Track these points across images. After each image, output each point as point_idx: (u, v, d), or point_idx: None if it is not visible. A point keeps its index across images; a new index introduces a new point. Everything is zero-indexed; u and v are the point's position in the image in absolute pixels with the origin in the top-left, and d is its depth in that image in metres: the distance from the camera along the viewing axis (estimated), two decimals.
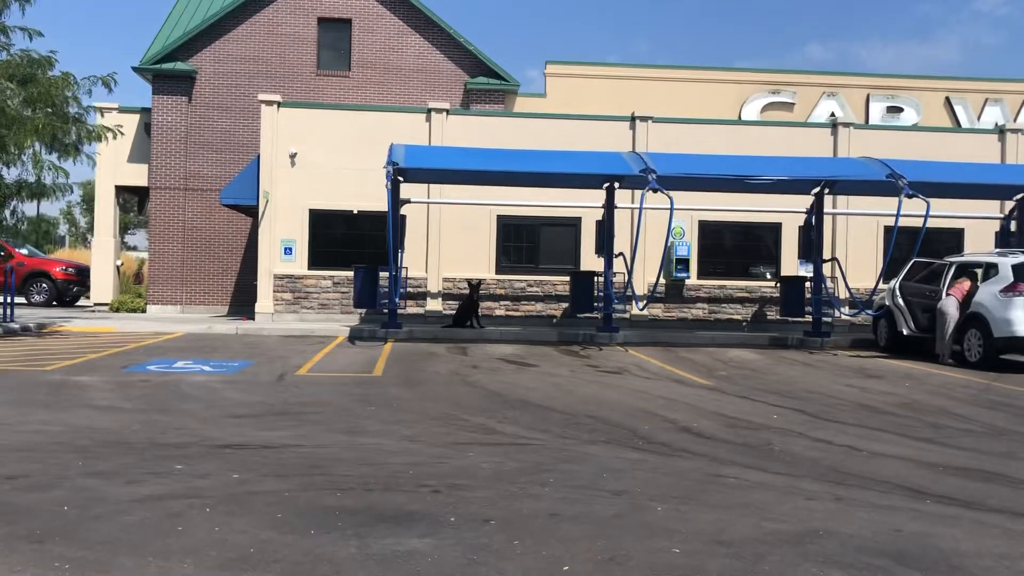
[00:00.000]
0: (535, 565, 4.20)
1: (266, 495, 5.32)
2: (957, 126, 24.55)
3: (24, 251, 27.34)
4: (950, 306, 14.63)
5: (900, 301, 15.79)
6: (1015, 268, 14.00)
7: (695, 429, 8.14)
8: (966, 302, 14.68)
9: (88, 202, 25.33)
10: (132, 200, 29.65)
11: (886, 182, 15.78)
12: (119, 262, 24.89)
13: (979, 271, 15.21)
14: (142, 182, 23.59)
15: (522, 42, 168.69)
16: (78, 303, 26.59)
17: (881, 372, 13.41)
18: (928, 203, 15.09)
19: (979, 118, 24.73)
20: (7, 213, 15.28)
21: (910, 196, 15.21)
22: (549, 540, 4.59)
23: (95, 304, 23.77)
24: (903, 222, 16.06)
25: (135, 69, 22.80)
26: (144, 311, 22.75)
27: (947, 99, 24.93)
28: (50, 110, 14.55)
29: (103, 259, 23.74)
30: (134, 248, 41.94)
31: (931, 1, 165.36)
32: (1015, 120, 24.52)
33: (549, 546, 4.50)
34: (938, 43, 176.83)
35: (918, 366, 14.22)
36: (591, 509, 5.25)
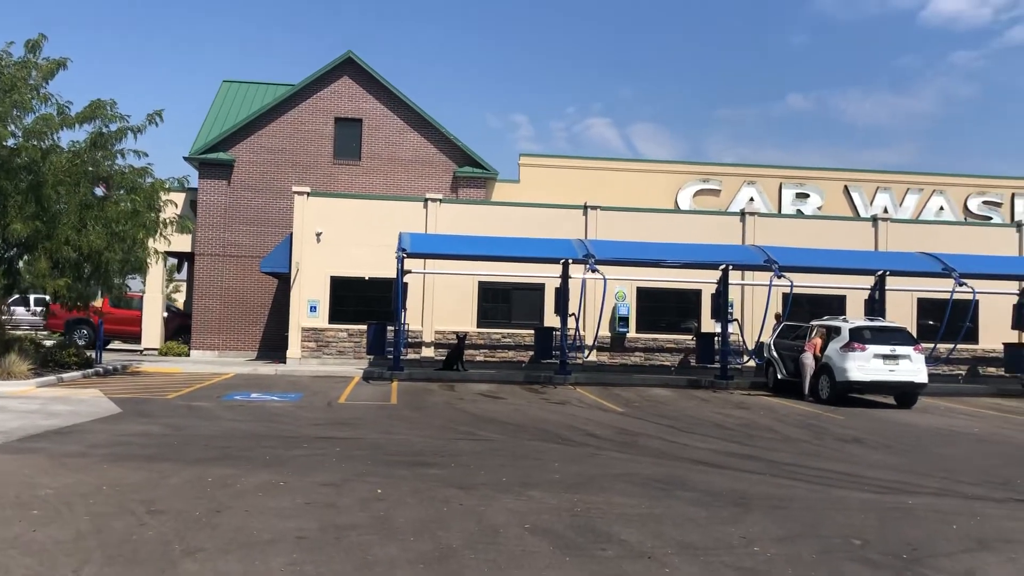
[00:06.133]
0: (491, 478, 9.42)
1: (358, 455, 10.50)
2: (854, 210, 30.27)
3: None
4: (807, 358, 20.00)
5: (775, 354, 21.21)
6: (851, 331, 19.43)
7: (595, 434, 13.39)
8: (822, 355, 20.09)
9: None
10: (173, 263, 34.85)
11: (764, 265, 21.29)
12: (165, 314, 29.97)
13: (832, 332, 20.65)
14: (184, 248, 28.79)
15: (509, 132, 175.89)
16: (129, 347, 31.58)
17: (752, 405, 18.70)
18: (792, 282, 20.61)
19: (871, 203, 30.45)
20: (117, 282, 20.49)
21: (779, 276, 20.72)
22: (497, 472, 9.81)
23: (144, 348, 28.80)
24: (795, 291, 21.64)
25: (186, 159, 28.17)
26: (188, 355, 27.82)
27: (846, 187, 30.66)
28: (149, 206, 19.78)
29: (153, 311, 28.84)
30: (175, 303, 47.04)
31: (911, 53, 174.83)
32: (900, 205, 30.28)
33: (497, 474, 9.71)
34: (915, 95, 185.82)
35: (784, 402, 19.52)
36: (521, 464, 10.48)
